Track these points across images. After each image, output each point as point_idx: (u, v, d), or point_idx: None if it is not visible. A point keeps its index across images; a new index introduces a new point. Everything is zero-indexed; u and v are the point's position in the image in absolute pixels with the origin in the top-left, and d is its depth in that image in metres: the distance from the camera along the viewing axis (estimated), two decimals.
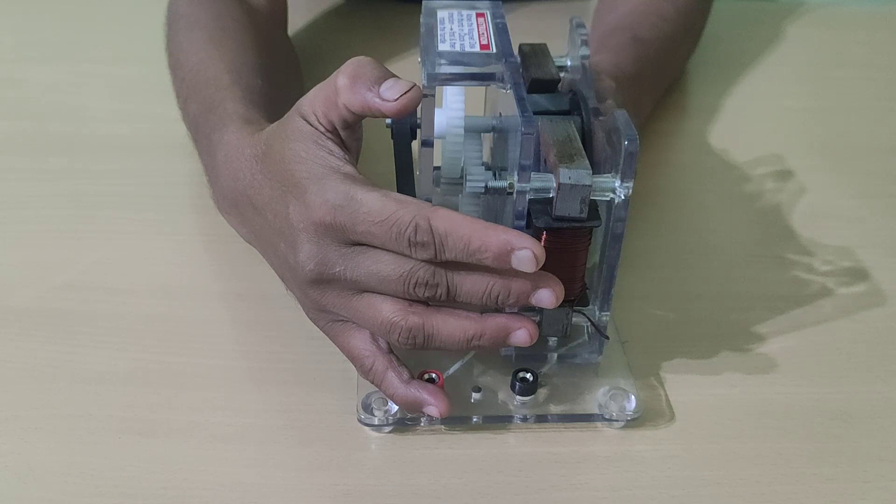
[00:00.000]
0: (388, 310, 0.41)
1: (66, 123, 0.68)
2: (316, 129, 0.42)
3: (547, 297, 0.40)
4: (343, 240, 0.41)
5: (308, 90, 0.43)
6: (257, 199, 0.44)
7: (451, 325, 0.41)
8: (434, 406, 0.43)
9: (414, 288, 0.40)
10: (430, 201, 0.47)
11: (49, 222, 0.58)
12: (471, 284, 0.40)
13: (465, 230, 0.38)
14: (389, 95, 0.40)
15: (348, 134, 0.43)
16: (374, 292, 0.41)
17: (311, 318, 0.46)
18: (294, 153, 0.42)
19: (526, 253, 0.38)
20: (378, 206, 0.39)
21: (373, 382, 0.44)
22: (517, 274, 0.40)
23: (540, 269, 0.39)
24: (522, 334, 0.42)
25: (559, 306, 0.44)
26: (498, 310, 0.42)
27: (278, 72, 0.61)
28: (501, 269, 0.39)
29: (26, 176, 0.62)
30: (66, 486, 0.42)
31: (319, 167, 0.41)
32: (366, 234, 0.40)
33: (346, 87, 0.41)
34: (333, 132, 0.42)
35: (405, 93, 0.40)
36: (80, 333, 0.50)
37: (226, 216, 0.50)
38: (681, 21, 0.70)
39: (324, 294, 0.43)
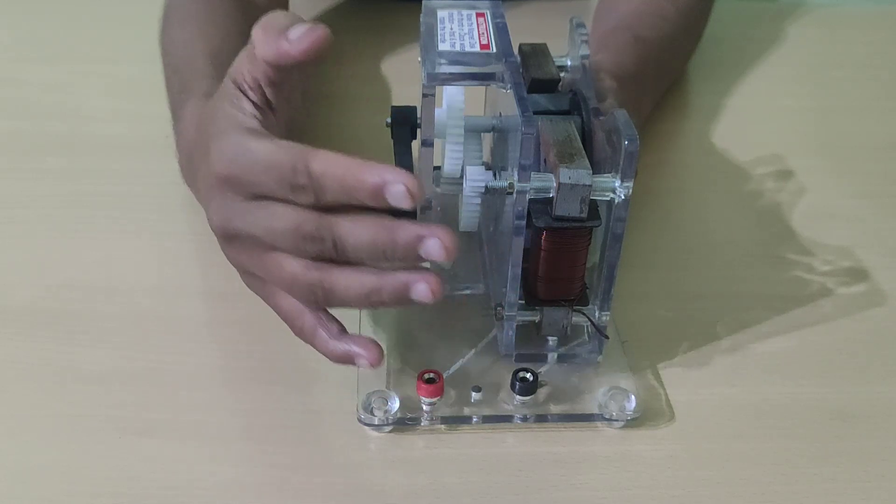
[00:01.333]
0: (288, 266, 0.40)
1: (66, 123, 0.68)
2: (239, 87, 0.42)
3: (435, 247, 0.38)
4: (244, 194, 0.40)
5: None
6: (195, 163, 0.45)
7: (349, 280, 0.40)
8: (365, 357, 0.41)
9: (303, 242, 0.39)
10: (430, 201, 0.47)
11: (49, 222, 0.58)
12: (356, 237, 0.39)
13: (341, 169, 0.38)
14: (295, 36, 0.39)
15: (274, 92, 0.42)
16: (278, 250, 0.41)
17: (246, 284, 0.45)
18: (211, 113, 0.42)
19: (399, 188, 0.37)
20: (265, 153, 0.39)
21: (305, 341, 0.43)
22: (402, 225, 0.38)
23: (449, 231, 0.38)
24: (423, 288, 0.39)
25: (559, 306, 0.44)
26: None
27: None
28: (382, 213, 0.39)
29: (26, 176, 0.62)
30: (66, 486, 0.42)
31: (226, 124, 0.41)
32: (258, 185, 0.39)
33: (260, 38, 0.40)
34: (257, 90, 0.42)
35: (311, 34, 0.39)
36: (80, 333, 0.50)
37: (188, 186, 0.50)
38: (682, 21, 0.70)
39: (238, 253, 0.43)
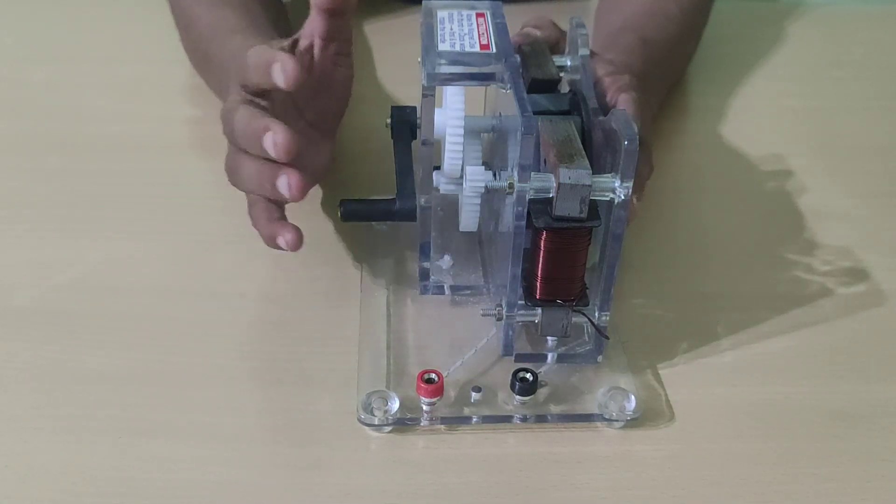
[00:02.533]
0: (228, 152, 0.50)
1: (66, 123, 0.68)
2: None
3: (268, 140, 0.45)
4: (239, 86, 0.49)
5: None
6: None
7: (248, 164, 0.48)
8: (282, 237, 0.48)
9: (226, 124, 0.49)
10: (431, 201, 0.47)
11: (49, 222, 0.58)
12: (237, 121, 0.47)
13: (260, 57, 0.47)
14: None
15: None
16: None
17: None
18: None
19: (276, 65, 0.45)
20: (254, 51, 0.48)
21: (255, 226, 0.49)
22: (256, 117, 0.47)
23: (285, 129, 0.45)
24: (283, 181, 0.46)
25: (559, 307, 0.44)
26: None
27: (282, 27, 0.68)
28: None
29: (26, 176, 0.62)
30: (66, 486, 0.42)
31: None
32: (241, 72, 0.49)
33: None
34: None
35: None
36: (80, 333, 0.50)
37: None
38: (685, 21, 0.70)
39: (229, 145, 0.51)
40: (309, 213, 0.59)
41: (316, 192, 0.60)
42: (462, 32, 0.47)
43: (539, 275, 0.44)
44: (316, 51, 0.50)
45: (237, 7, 0.65)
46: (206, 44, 0.63)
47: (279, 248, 0.48)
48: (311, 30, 0.49)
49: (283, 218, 0.49)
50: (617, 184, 0.42)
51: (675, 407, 0.47)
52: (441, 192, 0.48)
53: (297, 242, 0.48)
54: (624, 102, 0.51)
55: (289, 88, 0.46)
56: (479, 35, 0.46)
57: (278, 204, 0.49)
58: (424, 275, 0.51)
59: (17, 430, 0.45)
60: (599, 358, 0.48)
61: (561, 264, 0.44)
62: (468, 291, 0.52)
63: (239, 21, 0.63)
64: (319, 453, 0.44)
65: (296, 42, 0.51)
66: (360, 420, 0.45)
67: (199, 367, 0.48)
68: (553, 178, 0.42)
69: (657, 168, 0.55)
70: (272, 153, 0.45)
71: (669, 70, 0.70)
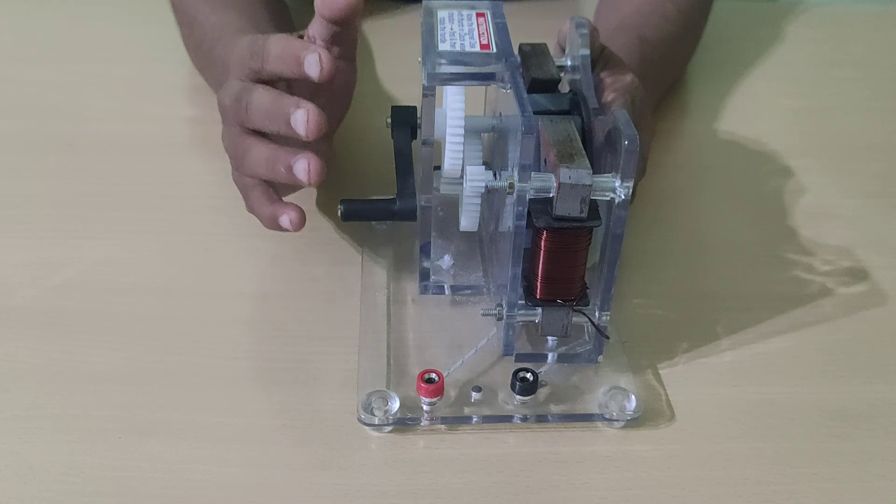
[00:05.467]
0: (228, 133, 0.49)
1: (66, 123, 0.68)
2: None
3: (301, 117, 0.45)
4: (238, 74, 0.49)
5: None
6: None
7: (258, 147, 0.48)
8: (285, 215, 0.48)
9: (234, 104, 0.48)
10: (431, 201, 0.47)
11: (49, 222, 0.58)
12: (258, 100, 0.47)
13: (283, 42, 0.47)
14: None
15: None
16: (229, 120, 0.50)
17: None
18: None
19: (313, 56, 0.45)
20: (255, 36, 0.49)
21: (252, 212, 0.50)
22: (286, 96, 0.46)
23: (317, 111, 0.45)
24: (302, 165, 0.46)
25: (559, 307, 0.44)
26: None
27: (285, 27, 0.68)
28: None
29: (26, 176, 0.62)
30: (66, 486, 0.42)
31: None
32: (243, 58, 0.49)
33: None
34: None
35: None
36: (80, 333, 0.50)
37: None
38: (683, 21, 0.70)
39: (224, 129, 0.51)
40: (308, 212, 0.58)
41: (315, 192, 0.60)
42: (462, 32, 0.47)
43: (539, 275, 0.44)
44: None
45: (241, 8, 0.65)
46: (209, 44, 0.63)
47: (281, 228, 0.48)
48: (315, 32, 0.49)
49: (281, 200, 0.49)
50: (617, 184, 0.42)
51: (675, 407, 0.47)
52: (441, 192, 0.48)
53: (301, 221, 0.48)
54: (619, 105, 0.51)
55: (322, 81, 0.45)
56: (479, 35, 0.46)
57: (276, 189, 0.49)
58: (424, 275, 0.51)
59: (17, 430, 0.45)
60: (600, 358, 0.48)
61: (561, 264, 0.44)
62: (468, 291, 0.52)
63: (243, 22, 0.63)
64: (319, 453, 0.44)
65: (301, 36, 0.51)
66: (360, 420, 0.45)
67: (199, 367, 0.48)
68: (553, 178, 0.41)
69: (657, 168, 0.55)
70: (301, 131, 0.45)
71: (667, 70, 0.70)
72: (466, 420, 0.45)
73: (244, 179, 0.50)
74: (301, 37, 0.50)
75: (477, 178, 0.45)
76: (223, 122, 0.51)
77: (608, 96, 0.51)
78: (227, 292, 0.53)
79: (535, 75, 0.49)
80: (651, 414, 0.46)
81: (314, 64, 0.45)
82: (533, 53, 0.51)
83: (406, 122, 0.52)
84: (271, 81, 0.49)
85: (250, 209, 0.50)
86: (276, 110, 0.46)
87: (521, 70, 0.47)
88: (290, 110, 0.45)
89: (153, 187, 0.61)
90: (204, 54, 0.65)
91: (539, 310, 0.45)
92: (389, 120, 0.52)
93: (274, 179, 0.48)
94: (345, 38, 0.50)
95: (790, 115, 0.73)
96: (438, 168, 0.48)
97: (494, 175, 0.45)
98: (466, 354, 0.48)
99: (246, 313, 0.52)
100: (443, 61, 0.44)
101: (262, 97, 0.47)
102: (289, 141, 0.48)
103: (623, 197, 0.42)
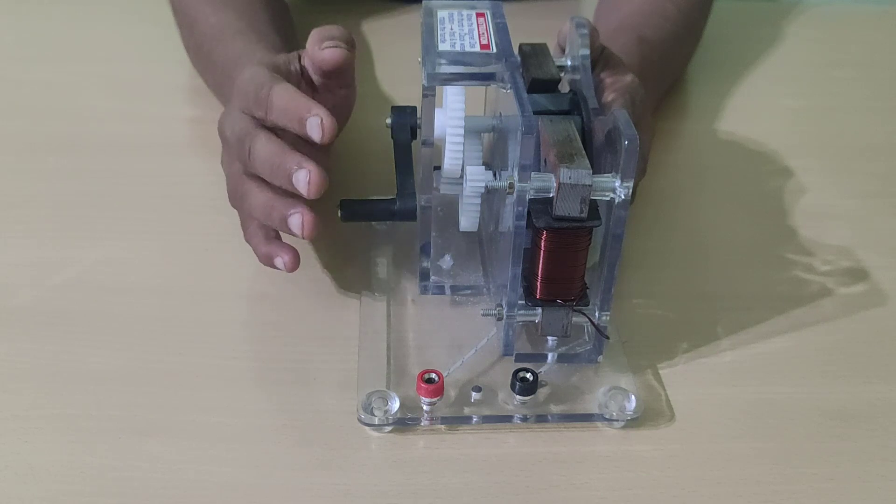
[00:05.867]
0: (233, 172, 0.50)
1: (66, 123, 0.68)
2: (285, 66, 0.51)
3: (302, 177, 0.45)
4: (240, 105, 0.49)
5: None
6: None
7: (256, 192, 0.48)
8: (280, 258, 0.48)
9: (238, 144, 0.48)
10: (431, 201, 0.47)
11: (48, 222, 0.58)
12: (260, 148, 0.46)
13: (287, 95, 0.46)
14: (326, 49, 0.50)
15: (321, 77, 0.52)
16: (233, 155, 0.50)
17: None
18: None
19: (314, 120, 0.45)
20: (259, 73, 0.48)
21: (249, 243, 0.50)
22: (292, 152, 0.46)
23: (320, 171, 0.45)
24: (296, 220, 0.46)
25: (559, 307, 0.44)
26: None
27: (285, 28, 0.69)
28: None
29: (26, 176, 0.62)
30: (66, 486, 0.42)
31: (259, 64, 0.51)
32: (245, 95, 0.49)
33: (309, 42, 0.50)
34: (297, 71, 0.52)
35: (334, 53, 0.50)
36: (80, 333, 0.50)
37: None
38: (683, 21, 0.70)
39: (225, 156, 0.52)
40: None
41: None
42: (462, 32, 0.47)
43: (539, 275, 0.44)
44: (316, 78, 0.52)
45: (240, 9, 0.65)
46: (209, 45, 0.63)
47: (275, 268, 0.49)
48: (312, 62, 0.50)
49: (279, 237, 0.49)
50: (617, 184, 0.42)
51: (675, 407, 0.47)
52: (441, 192, 0.48)
53: (294, 264, 0.48)
54: (618, 106, 0.51)
55: (323, 144, 0.45)
56: (479, 35, 0.46)
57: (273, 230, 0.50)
58: (424, 275, 0.51)
59: (17, 430, 0.45)
60: (599, 358, 0.48)
61: (561, 264, 0.44)
62: (468, 291, 0.52)
63: (242, 24, 0.63)
64: (319, 453, 0.44)
65: (299, 58, 0.52)
66: (360, 420, 0.45)
67: (199, 367, 0.48)
68: (553, 178, 0.41)
69: (657, 168, 0.55)
70: (302, 190, 0.45)
71: (667, 70, 0.70)
72: (466, 420, 0.45)
73: (242, 213, 0.51)
74: (299, 57, 0.51)
75: (477, 178, 0.45)
76: (224, 147, 0.51)
77: (608, 96, 0.51)
78: (226, 292, 0.53)
79: (535, 75, 0.49)
80: (651, 414, 0.46)
81: (316, 127, 0.45)
82: (533, 53, 0.51)
83: (406, 122, 0.52)
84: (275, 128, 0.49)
85: (247, 240, 0.50)
86: (280, 165, 0.46)
87: (521, 70, 0.47)
88: (293, 169, 0.45)
89: (153, 187, 0.61)
90: (204, 56, 0.65)
91: (539, 310, 0.45)
92: (389, 120, 0.52)
93: (270, 225, 0.49)
94: (342, 72, 0.51)
95: (790, 115, 0.73)
96: (438, 168, 0.48)
97: (494, 175, 0.45)
98: (466, 354, 0.48)
99: (246, 313, 0.52)
100: (443, 61, 0.44)
101: (266, 148, 0.47)
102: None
103: (623, 197, 0.42)
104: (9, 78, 0.74)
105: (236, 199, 0.50)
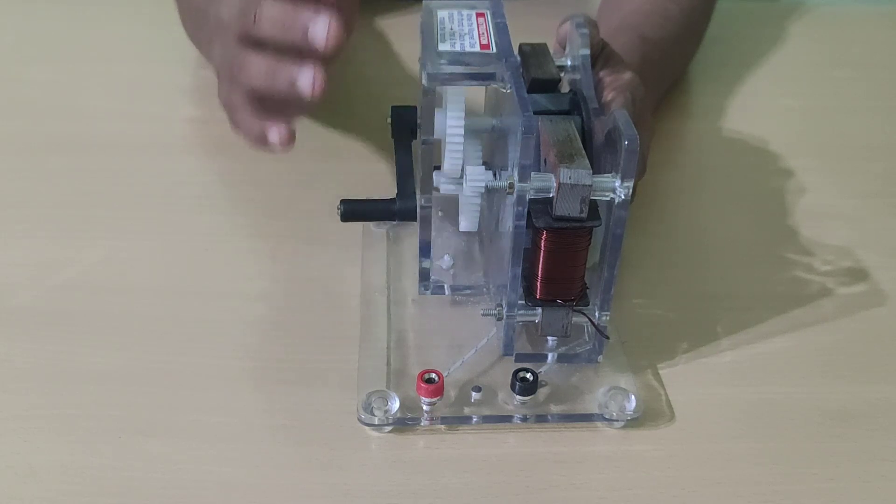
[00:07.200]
0: (229, 46, 0.47)
1: (66, 123, 0.68)
2: None
3: (321, 26, 0.42)
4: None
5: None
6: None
7: (257, 58, 0.45)
8: (274, 128, 0.46)
9: (242, 14, 0.46)
10: (431, 201, 0.47)
11: (48, 222, 0.58)
12: (270, 7, 0.44)
13: None
14: None
15: None
16: (233, 30, 0.47)
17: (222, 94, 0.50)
18: None
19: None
20: None
21: (238, 132, 0.48)
22: (304, 4, 0.43)
23: (339, 19, 0.43)
24: (307, 77, 0.43)
25: (559, 307, 0.44)
26: None
27: None
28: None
29: (26, 176, 0.62)
30: (66, 486, 0.42)
31: None
32: None
33: None
34: None
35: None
36: (80, 333, 0.50)
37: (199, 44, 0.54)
38: (684, 21, 0.70)
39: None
40: (308, 212, 0.59)
41: (315, 192, 0.60)
42: (462, 32, 0.47)
43: (539, 275, 0.44)
44: None
45: None
46: (204, 4, 0.60)
47: (268, 147, 0.46)
48: None
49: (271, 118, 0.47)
50: (617, 184, 0.42)
51: (675, 407, 0.47)
52: (441, 192, 0.48)
53: (290, 137, 0.46)
54: (618, 105, 0.51)
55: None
56: (479, 35, 0.46)
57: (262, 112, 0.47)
58: (424, 275, 0.51)
59: (17, 430, 0.45)
60: (599, 358, 0.48)
61: (561, 264, 0.44)
62: (468, 291, 0.52)
63: None
64: (319, 453, 0.44)
65: None
66: (360, 420, 0.45)
67: (199, 367, 0.48)
68: (553, 178, 0.41)
69: (657, 168, 0.55)
70: (319, 43, 0.42)
71: (668, 69, 0.70)
72: (466, 420, 0.45)
73: (233, 97, 0.48)
74: None
75: (477, 178, 0.45)
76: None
77: (608, 94, 0.51)
78: (227, 292, 0.53)
79: (535, 75, 0.49)
80: (651, 414, 0.46)
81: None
82: (533, 53, 0.51)
83: (406, 121, 0.52)
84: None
85: (235, 127, 0.48)
86: (293, 18, 0.43)
87: (521, 70, 0.47)
88: (309, 19, 0.42)
89: (153, 187, 0.61)
90: (196, 14, 0.62)
91: (539, 310, 0.45)
92: (389, 120, 0.52)
93: (272, 92, 0.46)
94: None
95: (790, 115, 0.73)
96: (438, 168, 0.48)
97: (494, 175, 0.45)
98: (466, 354, 0.48)
99: (246, 313, 0.52)
100: (443, 61, 0.44)
101: (275, 7, 0.44)
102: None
103: (623, 197, 0.42)
104: (9, 78, 0.74)
105: (231, 72, 0.47)
